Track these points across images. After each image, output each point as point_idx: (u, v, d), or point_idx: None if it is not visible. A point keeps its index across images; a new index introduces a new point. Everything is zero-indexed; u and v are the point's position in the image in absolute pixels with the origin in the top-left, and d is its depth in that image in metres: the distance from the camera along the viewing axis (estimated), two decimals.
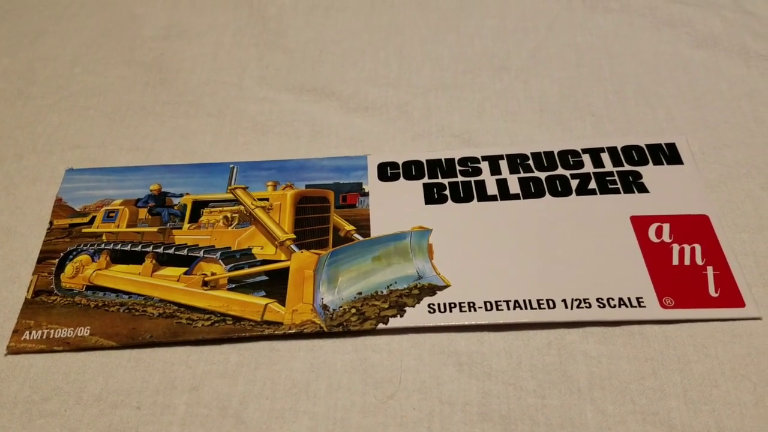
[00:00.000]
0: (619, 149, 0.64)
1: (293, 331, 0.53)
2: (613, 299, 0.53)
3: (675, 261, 0.56)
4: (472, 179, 0.63)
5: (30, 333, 0.54)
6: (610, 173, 0.62)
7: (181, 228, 0.62)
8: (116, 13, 0.86)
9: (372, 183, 0.64)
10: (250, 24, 0.83)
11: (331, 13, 0.83)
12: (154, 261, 0.60)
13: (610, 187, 0.61)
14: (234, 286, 0.57)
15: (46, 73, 0.78)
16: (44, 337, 0.54)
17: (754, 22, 0.76)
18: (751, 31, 0.75)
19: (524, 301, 0.53)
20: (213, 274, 0.58)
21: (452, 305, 0.54)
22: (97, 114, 0.73)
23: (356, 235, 0.60)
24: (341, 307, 0.54)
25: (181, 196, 0.64)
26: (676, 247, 0.56)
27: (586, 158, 0.64)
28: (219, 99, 0.73)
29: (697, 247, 0.56)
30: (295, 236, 0.60)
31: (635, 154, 0.63)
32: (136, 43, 0.81)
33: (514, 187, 0.62)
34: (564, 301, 0.53)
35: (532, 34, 0.78)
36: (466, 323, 0.53)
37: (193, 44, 0.81)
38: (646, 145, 0.64)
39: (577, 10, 0.80)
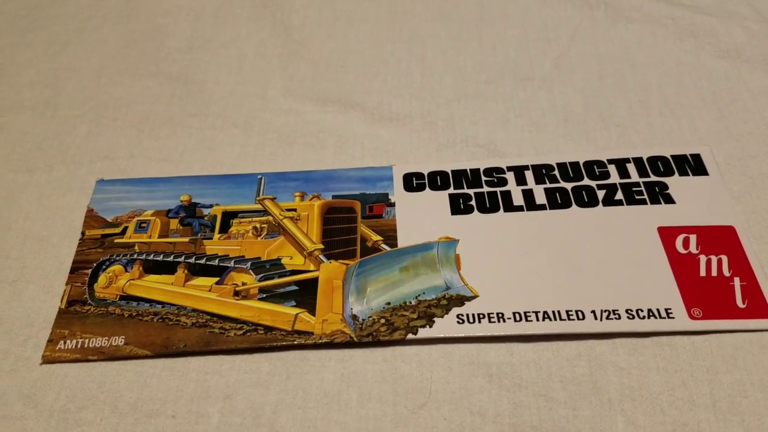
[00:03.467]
0: (644, 160, 0.64)
1: (324, 340, 0.53)
2: (642, 310, 0.53)
3: (702, 272, 0.56)
4: (498, 189, 0.63)
5: (65, 342, 0.55)
6: (637, 184, 0.62)
7: (211, 238, 0.63)
8: (140, 24, 0.87)
9: (398, 193, 0.64)
10: (273, 35, 0.83)
11: (353, 23, 0.84)
12: (186, 271, 0.61)
13: (637, 198, 0.61)
14: (264, 296, 0.57)
15: (72, 84, 0.79)
16: (79, 346, 0.54)
17: None
18: None
19: (553, 312, 0.54)
20: (244, 284, 0.58)
21: (481, 316, 0.54)
22: (125, 125, 0.73)
23: (383, 246, 0.60)
24: (370, 317, 0.55)
25: (210, 206, 0.65)
26: (703, 258, 0.57)
27: (612, 169, 0.64)
28: (244, 110, 0.74)
29: (724, 259, 0.57)
30: (323, 246, 0.61)
31: (661, 165, 0.64)
32: (161, 55, 0.82)
33: (540, 198, 0.62)
34: (593, 312, 0.53)
35: (555, 44, 0.79)
36: (496, 334, 0.53)
37: (217, 55, 0.81)
38: (672, 156, 0.64)
39: (599, 21, 0.81)
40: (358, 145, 0.70)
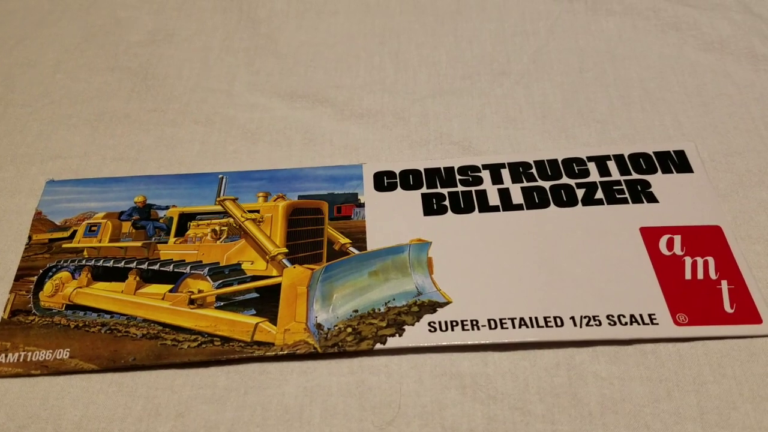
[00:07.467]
0: (626, 157, 0.62)
1: (285, 352, 0.50)
2: (624, 316, 0.51)
3: (688, 275, 0.53)
4: (473, 189, 0.60)
5: (6, 356, 0.51)
6: (618, 182, 0.60)
7: (166, 242, 0.60)
8: (100, 17, 0.83)
9: (368, 193, 0.61)
10: (240, 28, 0.80)
11: (323, 16, 0.81)
12: (137, 278, 0.57)
13: (618, 196, 0.58)
14: (222, 304, 0.54)
15: (26, 79, 0.75)
16: (21, 360, 0.51)
17: (762, 24, 0.74)
18: (760, 34, 0.73)
19: (530, 318, 0.51)
20: (200, 291, 0.55)
21: (454, 323, 0.51)
22: (79, 122, 0.70)
23: (352, 249, 0.57)
24: (336, 326, 0.52)
25: (167, 208, 0.61)
26: (688, 260, 0.54)
27: (592, 166, 0.61)
28: (207, 106, 0.71)
29: (710, 260, 0.54)
30: (287, 250, 0.58)
31: (643, 162, 0.61)
32: (121, 49, 0.78)
33: (517, 197, 0.59)
34: (572, 318, 0.51)
35: (533, 37, 0.76)
36: (470, 342, 0.50)
37: (180, 49, 0.78)
38: (654, 153, 0.62)
39: (579, 13, 0.78)
40: (326, 143, 0.67)
